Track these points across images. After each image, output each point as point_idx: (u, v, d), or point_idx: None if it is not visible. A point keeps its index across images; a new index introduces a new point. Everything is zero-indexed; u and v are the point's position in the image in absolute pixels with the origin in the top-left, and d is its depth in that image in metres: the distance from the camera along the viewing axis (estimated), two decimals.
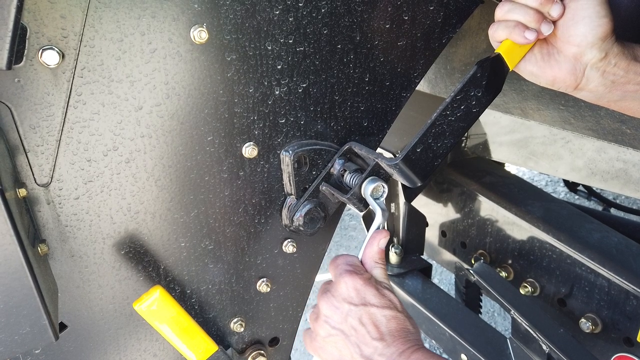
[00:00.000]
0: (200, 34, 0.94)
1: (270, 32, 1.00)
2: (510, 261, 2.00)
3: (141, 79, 0.95)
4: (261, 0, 0.97)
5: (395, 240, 2.23)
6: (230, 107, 1.03)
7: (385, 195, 1.10)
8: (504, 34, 0.99)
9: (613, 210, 3.28)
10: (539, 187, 2.17)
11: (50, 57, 0.86)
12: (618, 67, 0.95)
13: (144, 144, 0.99)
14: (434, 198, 2.32)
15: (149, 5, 0.90)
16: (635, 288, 1.60)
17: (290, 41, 1.03)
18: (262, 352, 1.30)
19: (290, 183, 1.14)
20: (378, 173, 1.09)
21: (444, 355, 1.75)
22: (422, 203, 2.32)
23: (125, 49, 0.91)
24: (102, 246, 1.04)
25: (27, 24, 0.84)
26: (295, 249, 1.23)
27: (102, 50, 0.90)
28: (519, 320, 1.65)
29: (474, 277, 1.84)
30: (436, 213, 2.32)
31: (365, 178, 1.09)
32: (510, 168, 2.97)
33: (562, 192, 4.51)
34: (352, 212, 4.49)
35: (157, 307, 1.04)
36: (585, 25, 0.93)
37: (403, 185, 2.13)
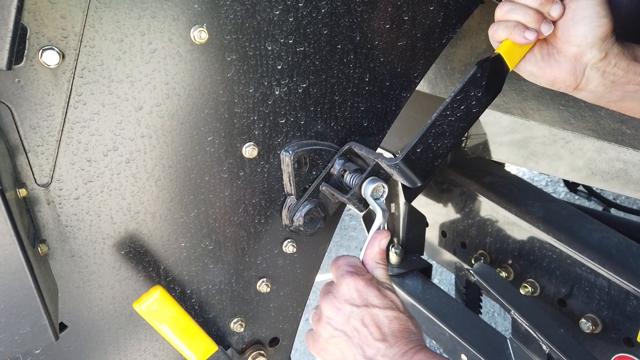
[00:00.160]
0: (200, 34, 0.94)
1: (270, 32, 1.00)
2: (510, 261, 2.00)
3: (141, 79, 0.95)
4: (261, 0, 0.97)
5: (395, 240, 2.23)
6: (231, 107, 1.03)
7: (385, 195, 1.10)
8: (504, 34, 0.99)
9: (613, 211, 3.28)
10: (539, 187, 2.17)
11: (50, 57, 0.86)
12: (618, 67, 0.95)
13: (144, 144, 0.99)
14: (434, 198, 2.32)
15: (149, 6, 0.90)
16: (635, 288, 1.60)
17: (290, 41, 1.03)
18: (262, 352, 1.30)
19: (290, 183, 1.14)
20: (378, 173, 1.09)
21: (445, 356, 1.75)
22: (422, 203, 2.32)
23: (126, 49, 0.91)
24: (102, 246, 1.04)
25: (27, 24, 0.84)
26: (295, 249, 1.23)
27: (103, 51, 0.90)
28: (519, 320, 1.65)
29: (474, 277, 1.84)
30: (436, 213, 2.32)
31: (366, 178, 1.09)
32: (511, 168, 2.97)
33: (562, 193, 4.51)
34: (352, 212, 4.49)
35: (157, 307, 1.04)
36: (585, 25, 0.93)
37: (403, 186, 2.13)
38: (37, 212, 0.96)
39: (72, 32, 0.87)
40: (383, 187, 1.09)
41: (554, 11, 0.95)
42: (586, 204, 3.50)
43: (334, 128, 1.16)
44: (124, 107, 0.95)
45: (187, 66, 0.97)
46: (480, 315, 2.09)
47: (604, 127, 1.43)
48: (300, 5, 1.00)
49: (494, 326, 2.39)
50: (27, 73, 0.87)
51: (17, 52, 0.80)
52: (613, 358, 1.66)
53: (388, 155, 1.73)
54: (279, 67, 1.04)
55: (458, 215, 2.22)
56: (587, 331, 1.73)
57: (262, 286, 1.23)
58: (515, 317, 1.67)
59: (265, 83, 1.04)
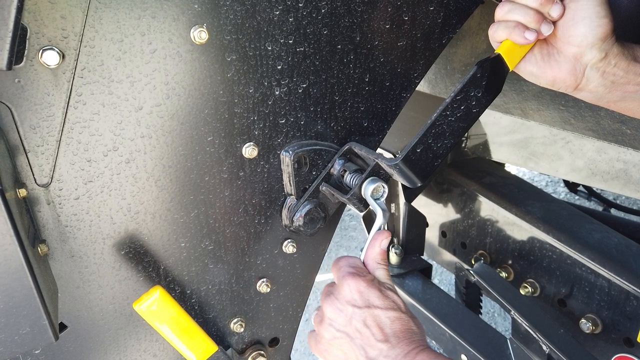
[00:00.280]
0: (200, 35, 0.94)
1: (270, 32, 1.00)
2: (510, 261, 2.00)
3: (141, 80, 0.95)
4: (261, 0, 0.97)
5: (395, 240, 2.22)
6: (230, 108, 1.03)
7: (385, 195, 1.10)
8: (504, 35, 0.99)
9: (613, 211, 3.28)
10: (539, 187, 2.17)
11: (50, 58, 0.86)
12: (618, 67, 0.95)
13: (144, 144, 0.99)
14: (434, 198, 2.32)
15: (149, 6, 0.90)
16: (636, 288, 1.60)
17: (290, 41, 1.03)
18: (262, 352, 1.30)
19: (290, 183, 1.14)
20: (378, 173, 1.09)
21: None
22: (422, 203, 2.32)
23: (126, 49, 0.92)
24: (102, 246, 1.04)
25: (27, 25, 0.84)
26: (295, 250, 1.23)
27: (103, 51, 0.90)
28: (519, 320, 1.65)
29: (474, 277, 1.84)
30: (436, 213, 2.32)
31: (366, 178, 1.09)
32: (511, 168, 2.97)
33: (562, 193, 4.51)
34: (352, 212, 4.49)
35: (157, 307, 1.04)
36: (585, 25, 0.93)
37: (403, 186, 2.13)
38: (37, 212, 0.96)
39: (72, 32, 0.87)
40: (383, 187, 1.09)
41: (554, 11, 0.95)
42: (586, 204, 3.50)
43: (334, 128, 1.16)
44: (124, 108, 0.95)
45: (187, 66, 0.97)
46: (480, 315, 2.09)
47: (604, 127, 1.43)
48: (300, 5, 1.01)
49: (494, 326, 2.40)
50: (27, 73, 0.87)
51: (17, 52, 0.80)
52: (613, 358, 1.66)
53: (388, 155, 1.73)
54: (279, 67, 1.04)
55: (458, 216, 2.22)
56: (587, 331, 1.73)
57: (262, 286, 1.23)
58: (515, 317, 1.67)
59: (265, 83, 1.04)
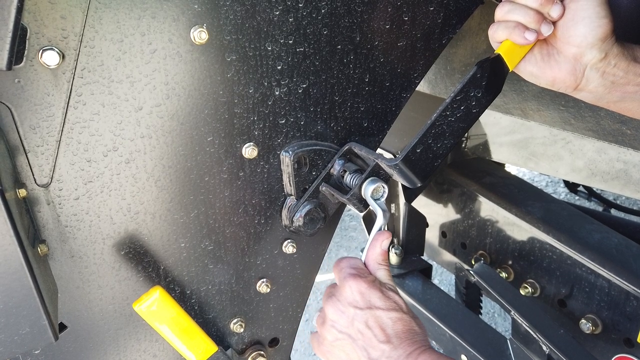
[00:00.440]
0: (200, 35, 0.94)
1: (270, 32, 1.00)
2: (510, 262, 2.00)
3: (141, 80, 0.95)
4: (261, 0, 0.97)
5: (395, 240, 2.22)
6: (230, 108, 1.03)
7: (385, 195, 1.10)
8: (504, 35, 0.99)
9: (613, 211, 3.28)
10: (539, 187, 2.17)
11: (50, 58, 0.86)
12: (618, 67, 0.95)
13: (144, 144, 1.00)
14: (434, 199, 2.32)
15: (149, 6, 0.90)
16: (636, 289, 1.60)
17: (290, 42, 1.03)
18: (262, 352, 1.30)
19: (290, 183, 1.14)
20: (378, 174, 1.09)
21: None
22: (422, 204, 2.32)
23: (126, 49, 0.92)
24: (102, 247, 1.04)
25: (27, 25, 0.84)
26: (295, 250, 1.23)
27: (102, 51, 0.90)
28: (519, 321, 1.65)
29: (474, 277, 1.83)
30: (436, 214, 2.32)
31: (366, 178, 1.09)
32: (511, 169, 2.96)
33: (562, 193, 4.51)
34: (352, 212, 4.49)
35: (156, 307, 1.04)
36: (585, 25, 0.93)
37: (403, 186, 2.13)
38: (37, 213, 0.96)
39: (72, 32, 0.87)
40: (383, 187, 1.09)
41: (554, 12, 0.95)
42: (586, 204, 3.50)
43: (333, 128, 1.16)
44: (124, 108, 0.95)
45: (187, 66, 0.97)
46: (480, 315, 2.09)
47: (604, 127, 1.43)
48: (300, 5, 1.01)
49: (494, 327, 2.39)
50: (27, 73, 0.87)
51: (17, 52, 0.80)
52: (613, 359, 1.66)
53: (388, 155, 1.73)
54: (279, 67, 1.04)
55: (458, 216, 2.22)
56: (587, 332, 1.73)
57: (262, 286, 1.23)
58: (515, 317, 1.67)
59: (265, 83, 1.04)
